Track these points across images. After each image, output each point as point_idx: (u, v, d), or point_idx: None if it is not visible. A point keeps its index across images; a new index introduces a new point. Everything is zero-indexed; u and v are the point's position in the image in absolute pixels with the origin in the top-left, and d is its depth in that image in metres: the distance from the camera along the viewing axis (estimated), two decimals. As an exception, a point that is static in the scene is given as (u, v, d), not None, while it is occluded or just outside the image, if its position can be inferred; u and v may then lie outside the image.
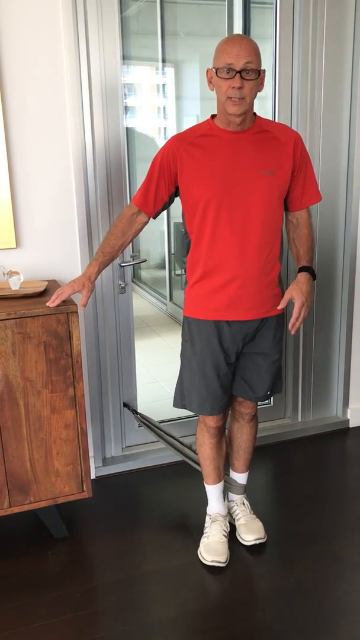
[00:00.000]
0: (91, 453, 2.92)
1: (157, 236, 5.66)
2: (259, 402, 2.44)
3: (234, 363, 2.28)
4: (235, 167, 2.05)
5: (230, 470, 2.57)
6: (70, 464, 2.39)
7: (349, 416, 3.42)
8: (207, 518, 2.48)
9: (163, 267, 5.74)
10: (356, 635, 2.00)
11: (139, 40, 4.74)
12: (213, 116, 2.13)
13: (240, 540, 2.45)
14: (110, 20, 2.53)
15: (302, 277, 2.14)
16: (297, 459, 3.15)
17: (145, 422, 3.00)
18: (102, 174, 2.67)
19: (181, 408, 2.36)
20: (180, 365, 2.33)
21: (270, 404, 3.37)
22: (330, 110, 2.97)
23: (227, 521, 2.47)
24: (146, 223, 2.26)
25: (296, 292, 2.10)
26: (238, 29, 3.43)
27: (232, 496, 2.56)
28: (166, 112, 5.31)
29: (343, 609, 2.12)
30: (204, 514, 2.51)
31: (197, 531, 2.52)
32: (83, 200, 2.63)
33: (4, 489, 2.32)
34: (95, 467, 2.97)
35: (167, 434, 2.97)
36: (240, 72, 1.92)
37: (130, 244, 2.35)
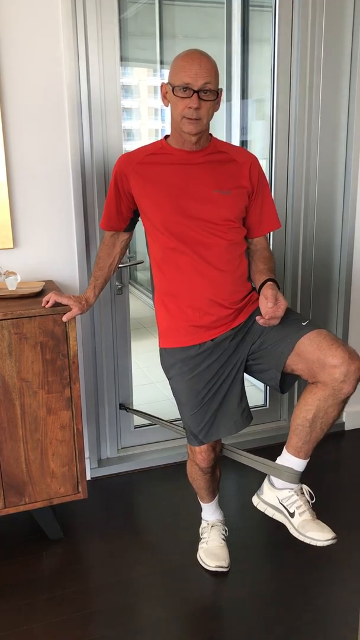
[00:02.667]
0: (87, 454, 2.91)
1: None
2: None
3: (235, 374, 2.08)
4: (188, 187, 1.98)
5: (285, 452, 2.05)
6: (66, 465, 2.38)
7: (344, 419, 3.43)
8: (204, 523, 2.47)
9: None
10: (353, 638, 2.00)
11: (137, 42, 4.73)
12: (167, 137, 2.07)
13: (309, 541, 1.95)
14: (109, 22, 2.53)
15: (270, 285, 1.95)
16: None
17: (140, 413, 2.96)
18: (100, 175, 2.67)
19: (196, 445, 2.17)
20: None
21: (266, 406, 3.37)
22: (328, 113, 2.97)
23: (224, 525, 2.46)
24: (129, 238, 2.26)
25: (266, 290, 1.91)
26: (236, 31, 3.43)
27: (285, 483, 2.06)
28: (164, 114, 5.31)
29: (340, 610, 2.12)
30: (198, 516, 2.51)
31: (192, 533, 2.51)
32: (80, 201, 2.63)
33: (-1, 490, 2.32)
34: (91, 469, 2.96)
35: (165, 420, 2.89)
36: (198, 92, 1.86)
37: (127, 251, 2.34)
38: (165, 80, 1.96)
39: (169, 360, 2.13)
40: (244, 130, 3.61)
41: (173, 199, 1.99)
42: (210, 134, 2.07)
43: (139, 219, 2.21)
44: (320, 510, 2.71)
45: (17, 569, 2.37)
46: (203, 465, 2.22)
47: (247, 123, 3.60)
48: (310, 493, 2.04)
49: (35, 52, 2.43)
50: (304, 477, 2.90)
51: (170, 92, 1.92)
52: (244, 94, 3.54)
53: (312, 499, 2.03)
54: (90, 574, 2.36)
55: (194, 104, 1.86)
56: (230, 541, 2.43)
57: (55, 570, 2.37)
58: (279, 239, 3.09)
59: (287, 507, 2.02)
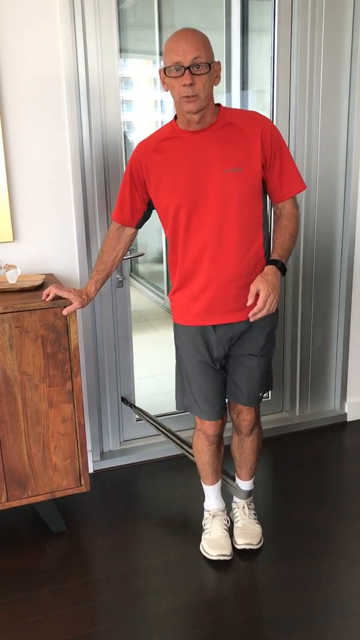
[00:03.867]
0: (89, 447, 2.92)
1: (154, 230, 5.64)
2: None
3: (224, 366, 2.24)
4: (199, 169, 1.98)
5: (235, 476, 2.52)
6: (68, 458, 2.38)
7: (346, 410, 3.43)
8: (206, 514, 2.47)
9: (160, 261, 5.73)
10: (355, 628, 2.00)
11: (136, 33, 4.71)
12: (176, 116, 2.05)
13: (234, 542, 2.40)
14: (107, 13, 2.52)
15: (268, 269, 2.00)
16: (295, 452, 3.15)
17: (143, 415, 2.99)
18: (99, 167, 2.66)
19: (183, 410, 2.33)
20: (175, 366, 2.31)
21: (268, 397, 3.37)
22: (328, 103, 2.95)
23: (227, 515, 2.47)
24: (134, 234, 2.25)
25: (261, 284, 1.94)
26: (236, 21, 3.41)
27: (236, 499, 2.53)
28: (163, 106, 5.28)
29: (342, 601, 2.13)
30: (201, 507, 2.51)
31: (195, 525, 2.52)
32: (80, 194, 2.62)
33: (1, 483, 2.32)
34: (93, 461, 2.97)
35: (165, 428, 2.96)
36: (190, 68, 1.84)
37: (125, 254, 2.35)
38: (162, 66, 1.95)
39: (181, 335, 2.23)
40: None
41: (185, 183, 1.99)
42: (219, 105, 2.03)
43: (150, 215, 2.22)
44: (323, 502, 2.72)
45: (20, 562, 2.37)
46: (210, 432, 2.29)
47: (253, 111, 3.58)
48: (248, 509, 2.50)
49: (32, 44, 2.41)
50: (301, 471, 2.90)
51: (165, 75, 1.92)
52: (243, 85, 3.52)
53: (250, 514, 2.49)
54: (93, 566, 2.37)
55: (187, 80, 1.85)
56: (232, 532, 2.44)
57: (58, 563, 2.38)
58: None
59: (233, 514, 2.53)
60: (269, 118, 2.93)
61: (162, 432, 2.95)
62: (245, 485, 2.49)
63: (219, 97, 3.70)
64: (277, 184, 2.07)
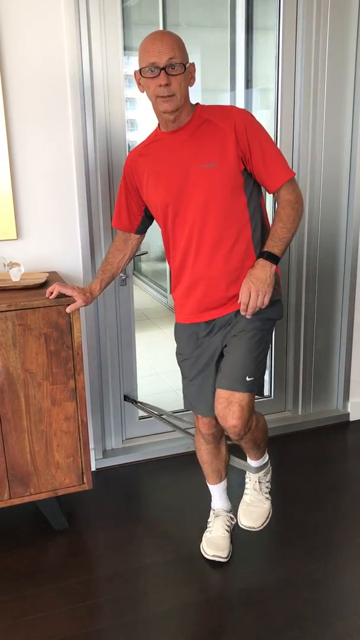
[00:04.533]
0: (91, 445, 2.92)
1: (157, 229, 5.64)
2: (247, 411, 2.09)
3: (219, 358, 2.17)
4: (177, 168, 2.00)
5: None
6: (71, 456, 2.38)
7: (349, 410, 3.42)
8: (211, 512, 2.47)
9: (164, 260, 5.71)
10: (355, 628, 2.00)
11: (141, 31, 4.70)
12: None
13: (237, 519, 2.36)
14: (112, 10, 2.51)
15: (256, 263, 2.00)
16: (298, 452, 3.15)
17: (146, 408, 2.98)
18: (103, 165, 2.66)
19: (188, 410, 2.35)
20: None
21: (271, 396, 3.36)
22: (333, 101, 2.95)
23: (230, 516, 2.46)
24: (140, 239, 2.29)
25: (244, 284, 1.97)
26: (240, 19, 3.40)
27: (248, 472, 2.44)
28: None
29: (343, 601, 2.12)
30: (203, 507, 2.51)
31: (196, 524, 2.51)
32: (84, 192, 2.62)
33: (4, 481, 2.32)
34: (96, 459, 2.97)
35: (169, 419, 2.93)
36: (165, 69, 1.86)
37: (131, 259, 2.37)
38: (137, 68, 1.96)
39: (176, 333, 2.26)
40: (248, 119, 3.58)
41: (166, 183, 2.02)
42: (198, 104, 2.03)
43: (152, 222, 2.25)
44: (325, 501, 2.72)
45: (23, 559, 2.38)
46: (205, 430, 2.28)
47: (251, 112, 3.57)
48: (260, 484, 2.40)
49: (37, 42, 2.41)
50: (304, 470, 2.89)
51: (141, 76, 1.93)
52: (248, 83, 3.52)
53: (261, 490, 2.40)
54: (96, 564, 2.37)
55: (163, 80, 1.87)
56: (236, 532, 2.43)
57: (61, 560, 2.38)
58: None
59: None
60: (274, 117, 2.96)
61: (167, 422, 2.92)
62: (254, 463, 2.39)
63: (223, 96, 3.71)
64: (264, 175, 2.02)
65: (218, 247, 2.02)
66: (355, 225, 3.12)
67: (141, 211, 2.21)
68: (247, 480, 2.45)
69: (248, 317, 2.01)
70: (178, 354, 2.26)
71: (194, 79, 1.99)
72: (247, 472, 2.45)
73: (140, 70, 1.91)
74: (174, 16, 4.43)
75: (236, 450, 2.46)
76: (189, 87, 1.98)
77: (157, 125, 2.09)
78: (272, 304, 2.07)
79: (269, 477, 2.44)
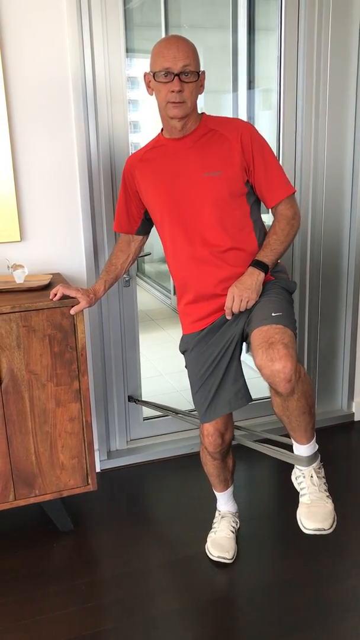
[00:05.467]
0: (96, 446, 2.92)
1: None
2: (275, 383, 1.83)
3: (237, 346, 2.09)
4: (180, 175, 2.00)
5: (293, 443, 2.11)
6: (75, 457, 2.39)
7: (354, 409, 3.42)
8: (217, 513, 2.47)
9: (167, 261, 5.73)
10: (359, 629, 2.00)
11: (143, 33, 4.72)
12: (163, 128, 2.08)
13: (299, 524, 1.98)
14: (114, 13, 2.52)
15: (248, 270, 2.01)
16: (302, 452, 3.14)
17: (150, 405, 2.97)
18: (106, 167, 2.66)
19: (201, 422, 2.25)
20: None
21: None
22: (335, 102, 2.95)
23: (236, 517, 2.47)
24: (143, 240, 2.31)
25: (232, 285, 2.00)
26: (242, 20, 3.41)
27: (298, 466, 2.13)
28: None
29: (346, 602, 2.12)
30: (208, 508, 2.52)
31: (201, 524, 2.52)
32: (87, 194, 2.63)
33: (9, 482, 2.33)
34: (100, 460, 2.97)
35: (175, 411, 2.89)
36: (179, 75, 1.87)
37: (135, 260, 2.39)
38: (148, 70, 1.97)
39: (181, 344, 2.25)
40: (250, 120, 3.59)
41: (168, 189, 2.02)
42: (204, 113, 2.06)
43: (151, 225, 2.26)
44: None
45: (28, 560, 2.38)
46: (210, 449, 2.25)
47: (253, 113, 3.58)
48: (318, 478, 2.05)
49: (39, 45, 2.42)
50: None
51: (152, 79, 1.93)
52: (250, 84, 3.52)
53: (320, 485, 2.04)
54: (101, 565, 2.37)
55: (176, 87, 1.87)
56: (241, 532, 2.44)
57: (66, 561, 2.38)
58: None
59: (297, 486, 2.08)
60: (277, 117, 2.96)
61: (173, 412, 2.88)
62: (304, 450, 2.07)
63: (226, 97, 3.71)
64: (264, 189, 2.05)
65: (221, 254, 2.03)
66: (358, 224, 3.12)
67: (141, 214, 2.22)
68: (299, 478, 2.09)
69: (228, 318, 2.03)
70: (189, 363, 2.21)
71: (204, 87, 2.00)
72: (296, 469, 2.12)
73: (153, 74, 1.91)
74: (176, 18, 4.44)
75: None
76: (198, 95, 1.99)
77: (159, 131, 2.09)
78: (281, 281, 2.10)
79: (322, 471, 2.11)
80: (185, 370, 2.29)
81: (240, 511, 2.53)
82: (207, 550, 2.37)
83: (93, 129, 2.59)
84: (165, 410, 2.91)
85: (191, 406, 3.02)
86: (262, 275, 2.00)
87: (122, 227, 2.27)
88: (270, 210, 2.11)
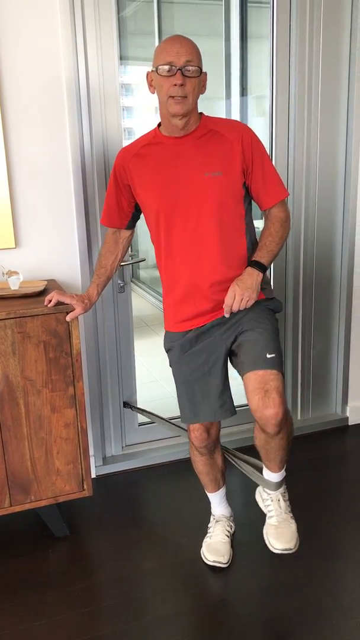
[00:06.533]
0: (91, 452, 2.93)
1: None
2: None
3: (223, 361, 2.14)
4: (180, 174, 2.01)
5: (264, 468, 2.22)
6: (71, 462, 2.39)
7: (348, 414, 3.43)
8: (212, 518, 2.48)
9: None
10: (356, 632, 2.01)
11: (136, 40, 4.74)
12: (160, 125, 2.08)
13: (267, 544, 2.12)
14: (107, 20, 2.54)
15: (244, 270, 2.05)
16: (297, 456, 3.15)
17: (145, 412, 2.98)
18: (100, 173, 2.68)
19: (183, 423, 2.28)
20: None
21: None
22: (327, 109, 2.97)
23: (230, 522, 2.47)
24: (131, 236, 2.28)
25: (230, 287, 2.01)
26: (235, 28, 3.43)
27: (266, 490, 2.23)
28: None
29: (343, 605, 2.13)
30: (203, 512, 2.52)
31: (197, 529, 2.52)
32: (81, 200, 2.64)
33: (4, 488, 2.33)
34: (96, 466, 2.98)
35: (169, 421, 2.92)
36: (181, 70, 1.88)
37: (129, 249, 2.37)
38: (150, 70, 1.98)
39: (165, 342, 2.24)
40: (243, 127, 3.61)
41: (166, 187, 2.02)
42: (202, 113, 2.07)
43: (141, 215, 2.23)
44: (325, 505, 2.72)
45: (24, 566, 2.38)
46: (197, 444, 2.26)
47: (246, 119, 3.60)
48: (284, 501, 2.20)
49: (34, 52, 2.44)
50: (303, 475, 2.90)
51: (155, 76, 1.94)
52: (243, 91, 3.55)
53: (286, 508, 2.19)
54: (97, 570, 2.37)
55: (179, 80, 1.88)
56: (236, 536, 2.44)
57: (62, 567, 2.38)
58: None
59: (263, 508, 2.22)
60: (269, 124, 2.99)
61: (167, 421, 2.90)
62: (275, 477, 2.18)
63: (219, 104, 3.74)
64: (261, 191, 2.08)
65: (218, 254, 2.04)
66: (351, 230, 3.15)
67: (132, 207, 2.20)
68: (266, 501, 2.22)
69: (227, 315, 2.03)
70: (173, 362, 2.23)
71: (205, 88, 2.01)
72: (264, 492, 2.24)
73: (156, 69, 1.92)
74: (170, 25, 4.47)
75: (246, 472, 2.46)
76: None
77: (155, 127, 2.09)
78: (268, 300, 2.15)
79: (287, 494, 2.24)
80: None
81: (236, 515, 2.53)
82: (202, 555, 2.38)
83: (87, 135, 2.60)
84: (160, 420, 2.93)
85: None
86: (260, 275, 2.03)
87: (112, 221, 2.23)
88: (262, 213, 2.14)
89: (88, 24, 2.50)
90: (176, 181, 2.01)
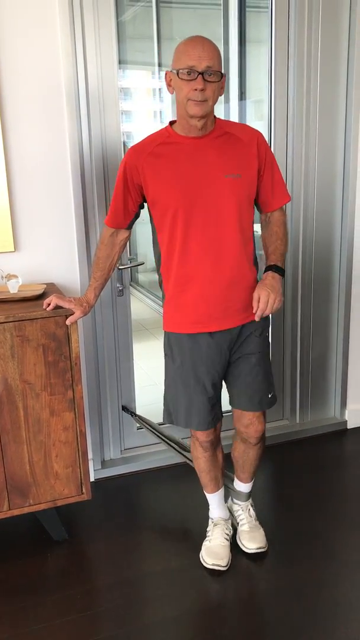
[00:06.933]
0: (90, 455, 2.92)
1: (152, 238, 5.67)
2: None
3: (223, 374, 2.23)
4: (199, 174, 2.01)
5: (235, 479, 2.51)
6: (70, 466, 2.39)
7: (346, 417, 3.43)
8: (210, 521, 2.48)
9: (160, 270, 5.74)
10: (355, 635, 2.00)
11: (135, 45, 4.75)
12: (172, 123, 2.08)
13: (241, 547, 2.42)
14: (106, 25, 2.55)
15: (266, 275, 2.08)
16: (296, 460, 3.16)
17: (144, 423, 3.01)
18: (99, 178, 2.68)
19: (169, 424, 2.32)
20: (165, 380, 2.30)
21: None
22: (326, 113, 2.98)
23: (229, 524, 2.47)
24: (127, 237, 2.27)
25: (260, 290, 2.02)
26: (233, 32, 3.44)
27: (237, 501, 2.53)
28: (162, 117, 5.32)
29: (342, 608, 2.13)
30: (202, 516, 2.52)
31: (196, 533, 2.52)
32: (80, 204, 2.64)
33: (3, 492, 2.33)
34: (94, 470, 2.97)
35: (166, 436, 2.97)
36: (203, 74, 1.88)
37: (126, 250, 2.36)
38: (169, 69, 1.98)
39: (172, 344, 2.23)
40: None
41: (185, 187, 2.01)
42: (215, 116, 2.07)
43: (139, 215, 2.23)
44: (324, 509, 2.73)
45: (22, 570, 2.38)
46: (202, 438, 2.28)
47: (245, 123, 3.61)
48: (253, 510, 2.52)
49: (34, 56, 2.44)
50: (302, 478, 2.91)
51: (175, 77, 1.93)
52: (242, 95, 3.55)
53: (254, 516, 2.51)
54: (95, 574, 2.37)
55: (199, 85, 1.88)
56: (234, 541, 2.44)
57: (60, 571, 2.38)
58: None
59: (235, 517, 2.53)
60: (267, 128, 2.99)
61: (163, 439, 2.96)
62: (246, 487, 2.49)
63: (217, 107, 3.74)
64: (269, 193, 2.15)
65: (235, 256, 2.07)
66: (349, 234, 3.15)
67: (136, 207, 2.18)
68: (238, 512, 2.52)
69: (257, 319, 2.04)
70: (178, 364, 2.22)
71: (224, 89, 2.03)
72: (234, 500, 2.54)
73: (177, 71, 1.91)
74: (168, 30, 4.48)
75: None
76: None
77: (167, 126, 2.09)
78: (267, 318, 2.22)
79: (253, 504, 2.54)
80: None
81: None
82: (201, 559, 2.38)
83: (86, 139, 2.61)
84: (158, 434, 2.95)
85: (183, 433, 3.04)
86: (281, 280, 2.10)
87: (117, 221, 2.20)
88: (261, 214, 2.21)
89: (87, 30, 2.51)
90: (196, 181, 2.01)
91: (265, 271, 2.11)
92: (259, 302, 2.00)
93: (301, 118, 2.94)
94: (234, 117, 3.62)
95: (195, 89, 1.89)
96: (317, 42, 2.88)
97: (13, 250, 2.58)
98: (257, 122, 3.54)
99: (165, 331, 2.24)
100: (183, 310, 2.14)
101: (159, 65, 4.88)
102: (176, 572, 2.34)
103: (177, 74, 1.91)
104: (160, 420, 3.13)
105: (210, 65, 1.88)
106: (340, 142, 3.06)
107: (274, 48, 2.85)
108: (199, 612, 2.15)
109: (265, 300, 1.99)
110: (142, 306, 5.97)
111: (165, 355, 2.27)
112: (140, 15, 4.51)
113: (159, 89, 5.20)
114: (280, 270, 2.10)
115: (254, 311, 2.02)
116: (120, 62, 2.67)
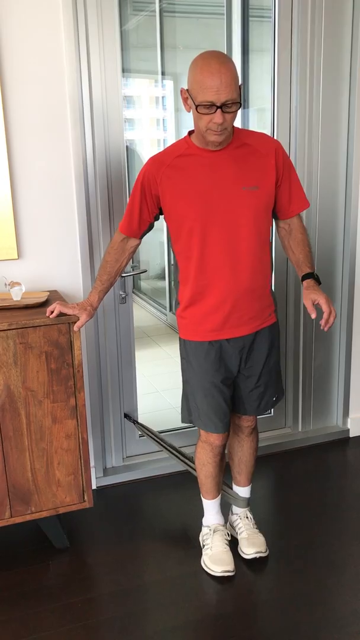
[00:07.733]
0: (92, 463, 2.92)
1: (156, 247, 5.69)
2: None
3: (234, 379, 2.26)
4: (217, 186, 2.02)
5: (233, 484, 2.55)
6: (72, 474, 2.39)
7: (349, 426, 3.43)
8: (206, 529, 2.47)
9: (163, 278, 5.76)
10: (358, 645, 2.00)
11: (139, 54, 4.78)
12: (190, 132, 2.09)
13: (241, 554, 2.42)
14: (110, 34, 2.56)
15: (308, 282, 2.12)
16: (298, 468, 3.15)
17: (146, 431, 3.00)
18: (103, 185, 2.69)
19: (188, 423, 2.37)
20: (183, 381, 2.33)
21: (270, 413, 3.37)
22: (328, 122, 2.99)
23: (227, 530, 2.47)
24: (137, 245, 2.27)
25: (316, 294, 2.06)
26: (236, 41, 3.46)
27: (235, 509, 2.54)
28: (165, 125, 5.34)
29: (344, 618, 2.12)
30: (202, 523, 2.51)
31: (197, 541, 2.52)
32: (84, 212, 2.65)
33: (5, 499, 2.32)
34: (96, 477, 2.97)
35: (168, 444, 2.97)
36: (222, 107, 1.86)
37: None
38: (185, 87, 1.96)
39: (189, 352, 2.24)
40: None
41: (203, 199, 2.03)
42: (233, 126, 2.06)
43: (152, 226, 2.25)
44: (326, 518, 2.72)
45: (24, 578, 2.37)
46: (217, 442, 2.31)
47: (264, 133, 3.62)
48: (251, 517, 2.54)
49: (38, 65, 2.46)
50: (304, 487, 2.89)
51: (192, 106, 1.92)
52: (245, 104, 3.57)
53: (253, 523, 2.52)
54: (97, 582, 2.36)
55: (219, 119, 1.87)
56: (233, 548, 2.44)
57: (62, 579, 2.37)
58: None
59: (235, 529, 2.54)
60: (270, 135, 3.00)
61: (165, 447, 2.95)
62: (244, 492, 2.53)
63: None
64: (287, 200, 2.16)
65: (252, 266, 2.09)
66: (352, 243, 3.15)
67: (151, 217, 2.19)
68: (235, 518, 2.54)
69: (330, 325, 2.06)
70: (196, 371, 2.23)
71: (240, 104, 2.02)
72: (232, 510, 2.56)
73: (196, 106, 1.89)
74: (172, 39, 4.51)
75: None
76: None
77: (186, 136, 2.09)
78: (276, 325, 2.29)
79: (251, 513, 2.55)
80: (181, 386, 2.33)
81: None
82: (206, 568, 2.37)
83: (90, 147, 2.62)
84: (160, 442, 2.95)
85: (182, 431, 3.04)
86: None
87: (132, 229, 2.20)
88: (279, 222, 2.24)
89: (91, 38, 2.52)
90: (213, 193, 2.03)
91: (303, 279, 2.15)
92: (322, 305, 2.04)
93: (304, 126, 2.95)
94: (237, 126, 3.63)
95: (215, 122, 1.89)
96: (320, 51, 2.89)
97: (17, 257, 2.58)
98: (260, 130, 3.55)
99: (182, 339, 2.26)
100: (199, 319, 2.17)
101: (162, 73, 4.91)
102: (178, 581, 2.34)
103: (197, 108, 1.89)
104: (162, 427, 3.18)
105: (229, 98, 1.85)
106: (342, 150, 3.07)
107: (277, 57, 2.87)
108: (200, 621, 2.14)
109: (327, 304, 2.04)
110: (145, 313, 5.98)
111: (182, 358, 2.29)
112: (144, 24, 4.54)
113: (162, 97, 5.23)
114: (318, 279, 2.15)
115: (312, 317, 2.04)
116: (123, 70, 2.68)
